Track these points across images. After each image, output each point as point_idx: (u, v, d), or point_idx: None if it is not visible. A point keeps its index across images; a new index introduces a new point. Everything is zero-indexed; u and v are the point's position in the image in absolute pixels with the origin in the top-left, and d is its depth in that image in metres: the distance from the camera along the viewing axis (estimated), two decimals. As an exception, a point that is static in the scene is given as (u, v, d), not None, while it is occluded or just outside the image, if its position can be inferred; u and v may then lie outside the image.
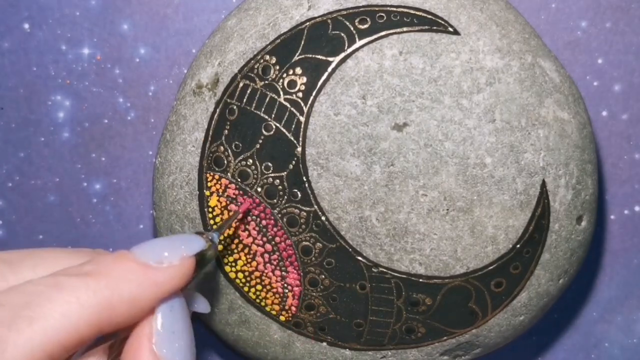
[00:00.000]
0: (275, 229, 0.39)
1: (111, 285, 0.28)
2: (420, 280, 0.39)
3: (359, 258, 0.39)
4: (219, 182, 0.39)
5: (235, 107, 0.39)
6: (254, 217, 0.39)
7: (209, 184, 0.39)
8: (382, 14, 0.38)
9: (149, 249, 0.30)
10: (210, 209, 0.39)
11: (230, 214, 0.39)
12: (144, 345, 0.29)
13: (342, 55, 0.38)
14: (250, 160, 0.38)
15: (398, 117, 0.37)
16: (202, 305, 0.34)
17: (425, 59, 0.38)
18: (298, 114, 0.38)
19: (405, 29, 0.38)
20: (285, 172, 0.38)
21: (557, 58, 0.42)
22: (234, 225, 0.39)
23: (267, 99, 0.38)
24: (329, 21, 0.38)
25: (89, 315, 0.27)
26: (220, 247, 0.39)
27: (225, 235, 0.39)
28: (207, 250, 0.32)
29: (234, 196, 0.39)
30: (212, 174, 0.39)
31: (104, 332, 0.28)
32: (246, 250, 0.39)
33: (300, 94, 0.38)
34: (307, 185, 0.38)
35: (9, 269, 0.29)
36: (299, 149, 0.38)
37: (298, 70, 0.38)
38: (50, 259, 0.31)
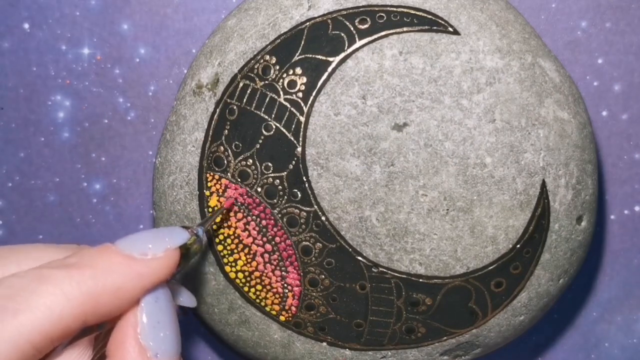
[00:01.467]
0: (275, 229, 0.39)
1: (95, 277, 0.28)
2: (420, 280, 0.39)
3: (359, 258, 0.39)
4: (219, 182, 0.39)
5: (235, 107, 0.39)
6: (254, 217, 0.39)
7: (209, 184, 0.39)
8: (382, 14, 0.38)
9: (133, 242, 0.30)
10: (210, 209, 0.39)
11: (216, 209, 0.39)
12: (129, 335, 0.29)
13: (342, 55, 0.38)
14: (250, 160, 0.38)
15: (398, 117, 0.37)
16: (187, 299, 0.34)
17: (425, 59, 0.38)
18: (298, 114, 0.38)
19: (405, 29, 0.38)
20: (285, 172, 0.38)
21: (557, 58, 0.41)
22: (234, 225, 0.39)
23: (267, 99, 0.38)
24: (329, 21, 0.38)
25: (74, 307, 0.27)
26: (220, 248, 0.39)
27: (225, 235, 0.39)
28: (191, 244, 0.33)
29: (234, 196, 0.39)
30: (212, 174, 0.39)
31: (89, 323, 0.28)
32: (246, 250, 0.39)
33: (300, 94, 0.38)
34: (307, 185, 0.38)
35: None
36: (299, 149, 0.38)
37: (298, 70, 0.38)
38: (36, 253, 0.31)
